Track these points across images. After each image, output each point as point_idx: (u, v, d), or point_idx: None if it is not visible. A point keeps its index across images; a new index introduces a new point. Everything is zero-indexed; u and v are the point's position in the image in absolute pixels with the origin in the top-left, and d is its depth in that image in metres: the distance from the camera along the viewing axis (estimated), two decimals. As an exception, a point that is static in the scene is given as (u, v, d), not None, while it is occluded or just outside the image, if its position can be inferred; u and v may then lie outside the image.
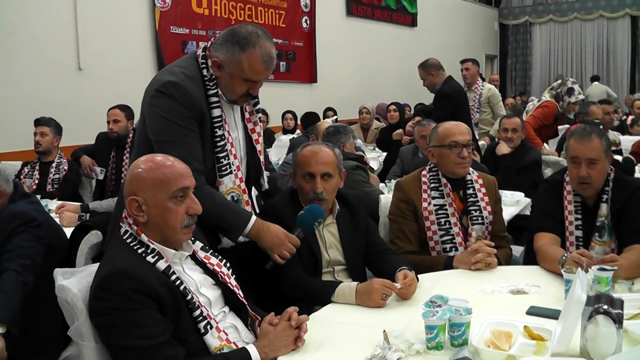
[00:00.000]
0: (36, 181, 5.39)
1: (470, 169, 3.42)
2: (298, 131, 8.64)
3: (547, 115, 7.18)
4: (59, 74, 7.17)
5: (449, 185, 3.32)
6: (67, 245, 3.19)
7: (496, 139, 6.50)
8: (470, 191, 3.36)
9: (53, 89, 7.06)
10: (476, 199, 3.34)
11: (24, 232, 2.98)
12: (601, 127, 5.65)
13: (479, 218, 3.30)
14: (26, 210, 3.06)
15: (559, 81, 7.32)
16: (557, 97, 7.14)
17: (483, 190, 3.38)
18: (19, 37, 6.76)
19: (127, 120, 5.53)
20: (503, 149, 5.48)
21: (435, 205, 3.29)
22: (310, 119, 7.60)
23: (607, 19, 18.38)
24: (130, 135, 5.49)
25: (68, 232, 3.30)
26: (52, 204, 4.40)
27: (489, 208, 3.34)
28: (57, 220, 4.11)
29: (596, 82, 15.03)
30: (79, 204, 4.46)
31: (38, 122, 5.50)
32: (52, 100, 6.89)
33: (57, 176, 5.47)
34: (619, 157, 6.34)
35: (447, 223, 3.27)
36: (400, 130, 7.55)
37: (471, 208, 3.32)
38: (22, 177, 5.41)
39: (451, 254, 3.19)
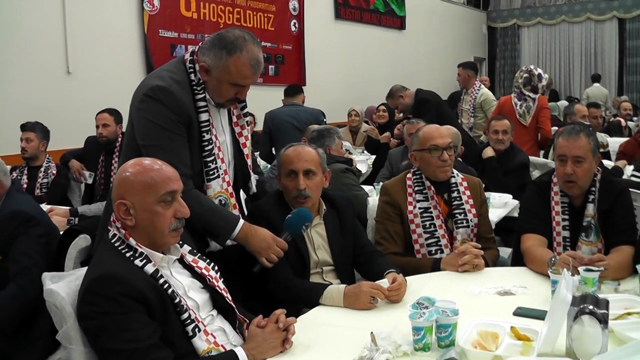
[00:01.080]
0: (25, 185, 5.36)
1: (455, 172, 3.43)
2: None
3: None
4: (47, 77, 7.12)
5: (432, 189, 3.33)
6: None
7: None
8: (455, 194, 3.37)
9: (42, 93, 7.02)
10: (461, 202, 3.35)
11: (24, 235, 3.00)
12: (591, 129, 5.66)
13: (464, 221, 3.32)
14: (25, 209, 3.09)
15: (525, 75, 7.18)
16: (536, 89, 7.09)
17: (467, 193, 3.39)
18: (8, 40, 6.72)
19: (116, 125, 5.53)
20: (488, 152, 5.50)
21: (420, 208, 3.30)
22: (294, 89, 7.51)
23: (595, 21, 18.43)
24: (119, 139, 5.48)
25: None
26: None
27: (473, 211, 3.36)
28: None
29: (597, 84, 15.05)
30: (68, 208, 4.45)
31: (23, 128, 5.47)
32: (40, 104, 6.85)
33: (45, 180, 5.46)
34: (610, 162, 6.36)
35: (432, 226, 3.28)
36: (387, 134, 7.57)
37: (456, 211, 3.33)
38: (10, 181, 5.39)
39: (437, 256, 3.20)
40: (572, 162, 3.02)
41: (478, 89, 8.11)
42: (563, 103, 12.97)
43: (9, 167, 5.39)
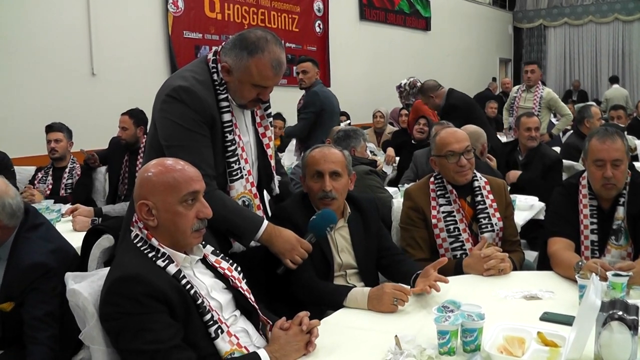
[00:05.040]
0: (50, 186, 5.41)
1: (478, 175, 3.38)
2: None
3: None
4: (72, 79, 7.21)
5: (454, 192, 3.29)
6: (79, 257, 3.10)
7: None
8: (478, 198, 3.31)
9: (67, 95, 7.10)
10: (485, 206, 3.30)
11: (38, 291, 2.76)
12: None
13: (489, 225, 3.26)
14: (42, 261, 2.80)
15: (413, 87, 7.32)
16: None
17: (491, 196, 3.33)
18: (33, 43, 6.80)
19: (135, 128, 5.49)
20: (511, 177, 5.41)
21: (443, 212, 3.26)
22: None
23: (623, 22, 18.27)
24: (143, 140, 5.49)
25: (80, 236, 3.24)
26: (65, 209, 4.41)
27: (498, 214, 3.30)
28: (70, 224, 4.13)
29: (616, 85, 14.92)
30: (92, 208, 4.47)
31: (51, 129, 5.50)
32: (65, 106, 6.93)
33: (70, 181, 5.49)
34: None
35: (456, 230, 3.24)
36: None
37: (480, 216, 3.28)
38: (35, 182, 5.43)
39: (461, 260, 3.16)
40: (611, 166, 2.96)
41: (542, 89, 8.07)
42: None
43: (32, 169, 5.46)
